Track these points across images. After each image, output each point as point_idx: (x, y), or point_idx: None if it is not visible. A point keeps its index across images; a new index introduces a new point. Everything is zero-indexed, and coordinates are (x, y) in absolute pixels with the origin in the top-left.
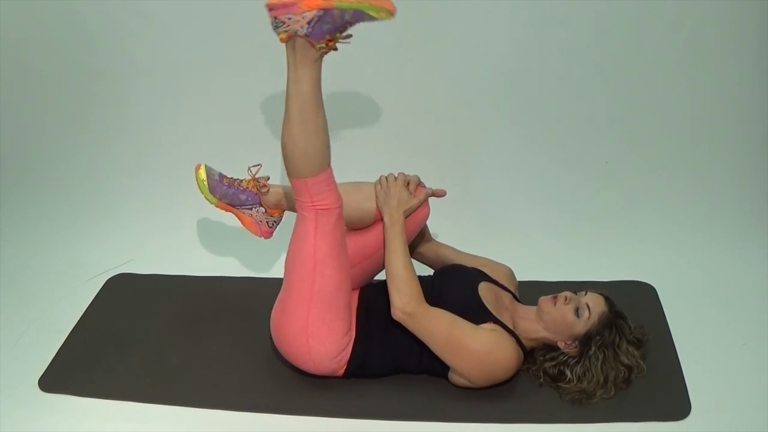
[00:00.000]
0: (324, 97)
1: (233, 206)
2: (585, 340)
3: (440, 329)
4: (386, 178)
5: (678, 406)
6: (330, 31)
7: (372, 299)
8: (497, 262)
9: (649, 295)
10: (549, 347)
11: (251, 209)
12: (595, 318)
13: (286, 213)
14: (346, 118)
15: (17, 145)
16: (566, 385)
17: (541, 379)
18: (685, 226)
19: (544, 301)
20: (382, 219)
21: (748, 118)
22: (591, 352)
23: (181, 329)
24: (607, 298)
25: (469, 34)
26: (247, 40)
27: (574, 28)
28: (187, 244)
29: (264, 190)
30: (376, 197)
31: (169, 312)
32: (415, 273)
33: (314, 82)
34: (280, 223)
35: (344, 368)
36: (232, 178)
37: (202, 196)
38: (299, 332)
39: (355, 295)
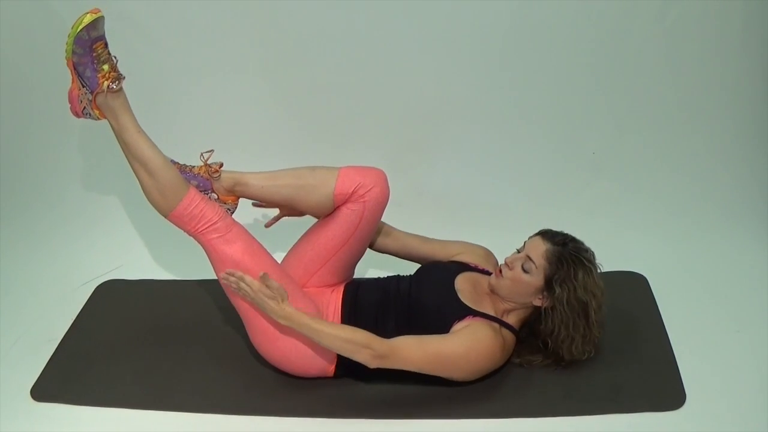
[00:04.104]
0: (305, 96)
1: None
2: (549, 286)
3: (416, 353)
4: (248, 286)
5: (673, 395)
6: (91, 71)
7: (359, 296)
8: (472, 245)
9: (640, 286)
10: (535, 312)
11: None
12: (542, 262)
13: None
14: (325, 112)
15: (2, 153)
16: (558, 343)
17: (540, 361)
18: (674, 215)
19: (492, 280)
20: (343, 204)
21: (737, 107)
22: (557, 294)
23: (172, 334)
24: (544, 234)
25: (453, 21)
26: (229, 41)
27: (559, 17)
28: (176, 248)
29: (216, 175)
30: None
31: (160, 317)
32: (345, 327)
33: (135, 125)
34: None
35: (333, 366)
36: (183, 164)
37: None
38: (279, 336)
39: (339, 291)
